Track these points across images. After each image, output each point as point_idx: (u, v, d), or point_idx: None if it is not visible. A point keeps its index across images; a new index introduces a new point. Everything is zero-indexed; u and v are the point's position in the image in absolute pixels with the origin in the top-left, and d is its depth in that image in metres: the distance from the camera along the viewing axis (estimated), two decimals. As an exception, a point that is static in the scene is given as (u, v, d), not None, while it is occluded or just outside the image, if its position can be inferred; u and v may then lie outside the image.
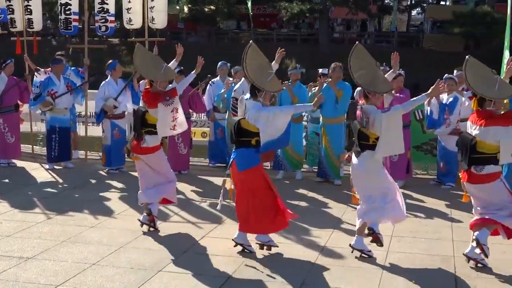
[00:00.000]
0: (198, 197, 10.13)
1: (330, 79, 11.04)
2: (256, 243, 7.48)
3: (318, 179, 11.31)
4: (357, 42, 7.63)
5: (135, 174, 11.70)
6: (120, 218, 8.91)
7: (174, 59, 9.00)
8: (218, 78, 12.50)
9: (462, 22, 38.16)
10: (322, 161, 11.22)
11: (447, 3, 53.96)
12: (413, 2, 51.09)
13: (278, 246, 7.46)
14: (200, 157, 13.40)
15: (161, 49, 12.29)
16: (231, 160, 7.43)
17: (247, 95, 7.59)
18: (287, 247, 7.61)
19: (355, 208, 9.23)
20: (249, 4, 41.75)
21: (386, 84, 7.33)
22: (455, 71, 10.86)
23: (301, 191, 10.62)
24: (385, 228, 8.38)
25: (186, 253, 7.39)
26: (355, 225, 8.48)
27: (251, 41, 7.65)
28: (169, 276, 6.64)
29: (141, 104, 8.37)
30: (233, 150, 7.49)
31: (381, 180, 7.26)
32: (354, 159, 7.34)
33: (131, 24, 12.85)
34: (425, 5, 51.97)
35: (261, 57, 7.51)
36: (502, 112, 6.94)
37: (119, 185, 10.99)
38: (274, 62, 8.09)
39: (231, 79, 11.80)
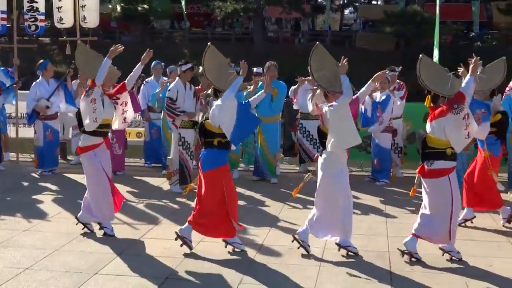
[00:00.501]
0: (134, 197, 10.01)
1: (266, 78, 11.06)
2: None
3: (255, 177, 11.34)
4: (317, 42, 7.62)
5: (69, 176, 11.57)
6: (54, 221, 8.72)
7: (140, 63, 8.63)
8: (152, 77, 12.40)
9: (393, 22, 38.84)
10: (258, 160, 11.26)
11: (379, 3, 54.85)
12: (345, 1, 51.79)
13: (245, 250, 7.44)
14: (135, 158, 13.26)
15: (94, 49, 12.08)
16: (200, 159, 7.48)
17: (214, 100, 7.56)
18: (225, 246, 7.59)
19: (292, 207, 9.34)
20: (183, 3, 41.65)
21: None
22: (387, 71, 11.04)
23: (238, 190, 10.49)
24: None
25: (123, 254, 7.29)
26: (292, 223, 8.58)
27: (209, 43, 7.63)
28: (105, 278, 6.54)
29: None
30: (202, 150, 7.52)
31: (334, 184, 7.22)
32: (320, 159, 7.33)
33: (62, 23, 12.61)
34: (357, 4, 52.75)
35: (220, 57, 7.52)
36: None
37: (53, 187, 10.77)
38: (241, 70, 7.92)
39: (165, 78, 11.71)
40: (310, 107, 10.93)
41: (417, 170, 7.21)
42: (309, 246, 7.36)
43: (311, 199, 9.89)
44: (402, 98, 11.20)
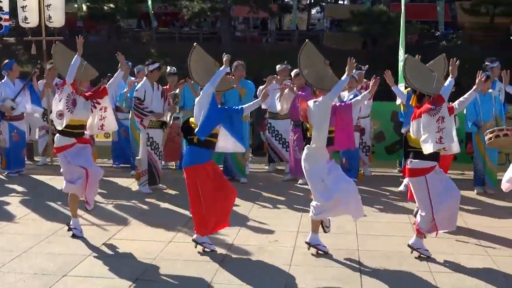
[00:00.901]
0: (102, 198, 9.92)
1: (233, 77, 11.07)
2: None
3: (224, 177, 11.32)
4: (307, 40, 7.67)
5: (36, 177, 11.44)
6: (21, 222, 8.62)
7: (120, 70, 8.43)
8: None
9: (360, 21, 39.11)
10: (227, 160, 11.25)
11: (345, 3, 55.15)
12: (312, 1, 51.94)
13: (215, 250, 7.44)
14: (103, 158, 13.15)
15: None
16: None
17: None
18: (195, 246, 7.58)
19: (262, 206, 9.35)
20: (149, 2, 41.41)
21: (334, 81, 7.30)
22: (355, 70, 11.11)
23: (207, 189, 10.59)
24: (291, 224, 8.52)
25: (92, 256, 7.23)
26: (262, 222, 8.59)
27: (195, 44, 7.64)
28: (74, 280, 6.48)
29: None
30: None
31: (313, 175, 7.26)
32: (303, 153, 7.34)
33: (27, 23, 12.46)
34: (324, 4, 52.97)
35: (207, 58, 7.54)
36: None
37: (20, 188, 10.64)
38: (223, 66, 7.88)
39: (133, 78, 11.63)
40: (278, 107, 11.03)
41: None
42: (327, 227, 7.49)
43: (281, 198, 9.97)
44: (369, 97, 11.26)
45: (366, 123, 11.40)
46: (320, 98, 7.14)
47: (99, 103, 7.85)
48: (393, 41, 13.74)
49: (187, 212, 9.04)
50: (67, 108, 7.60)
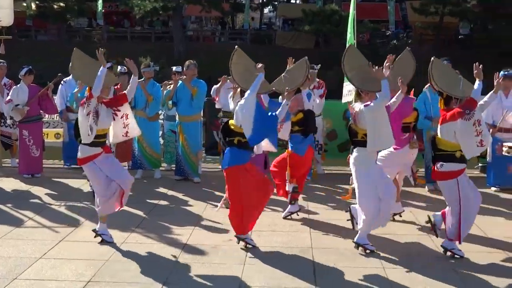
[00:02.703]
0: (53, 200, 9.78)
1: (184, 77, 11.03)
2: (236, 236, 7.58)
3: (177, 177, 11.27)
4: (349, 44, 7.93)
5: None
6: (-31, 226, 8.44)
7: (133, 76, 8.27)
8: (70, 77, 12.13)
9: (312, 20, 39.30)
10: (180, 159, 11.19)
11: (297, 2, 55.43)
12: (264, 0, 52.07)
13: (256, 246, 7.50)
14: (54, 159, 12.96)
15: (9, 48, 11.80)
16: None
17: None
18: (149, 247, 7.53)
19: (215, 205, 9.32)
20: (100, 1, 40.94)
21: (377, 83, 7.36)
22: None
23: (161, 189, 10.55)
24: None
25: (43, 258, 7.11)
26: (216, 222, 8.58)
27: (236, 46, 7.74)
28: (25, 283, 6.37)
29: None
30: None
31: (364, 177, 7.32)
32: (351, 157, 7.48)
33: (-25, 22, 12.18)
34: (276, 3, 53.12)
35: (247, 60, 7.68)
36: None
37: (-33, 191, 10.41)
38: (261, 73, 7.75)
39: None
40: (231, 106, 10.99)
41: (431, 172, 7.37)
42: (357, 224, 7.53)
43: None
44: (322, 96, 11.33)
45: (319, 121, 11.44)
46: (371, 103, 7.15)
47: (119, 111, 7.63)
48: (346, 40, 13.87)
49: (140, 213, 9.00)
50: (93, 121, 7.36)
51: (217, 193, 10.21)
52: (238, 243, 7.52)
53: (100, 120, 7.42)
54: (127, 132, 7.82)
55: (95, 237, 7.68)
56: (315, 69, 11.39)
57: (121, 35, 44.64)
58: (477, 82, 7.12)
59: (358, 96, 7.52)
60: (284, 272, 6.76)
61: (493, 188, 10.61)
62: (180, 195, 10.19)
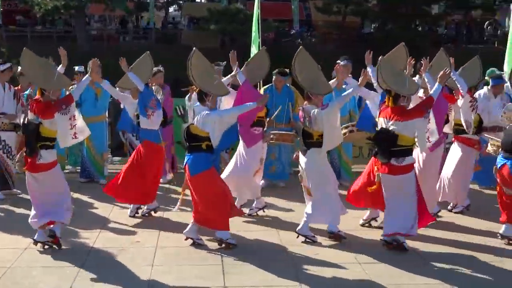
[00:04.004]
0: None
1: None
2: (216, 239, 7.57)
3: (82, 179, 11.03)
4: (300, 46, 7.97)
5: None
6: None
7: (61, 65, 8.04)
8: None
9: (217, 19, 39.39)
10: (85, 161, 10.97)
11: (203, 0, 55.39)
12: (169, -1, 51.78)
13: (236, 245, 7.49)
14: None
15: None
16: (184, 165, 7.51)
17: (197, 103, 7.58)
18: (54, 252, 7.34)
19: (121, 207, 9.18)
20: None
21: (326, 86, 7.87)
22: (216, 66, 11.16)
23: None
24: (153, 224, 8.44)
25: None
26: (123, 224, 8.47)
27: (194, 48, 7.66)
28: None
29: (31, 116, 7.51)
30: (186, 154, 7.52)
31: (318, 174, 7.69)
32: (302, 158, 7.74)
33: None
34: (181, 2, 52.90)
35: (205, 62, 7.70)
36: (412, 106, 7.52)
37: None
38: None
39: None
40: (137, 106, 10.85)
41: (381, 170, 7.51)
42: (314, 236, 7.75)
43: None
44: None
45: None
46: (328, 107, 7.54)
47: (69, 111, 7.39)
48: (251, 39, 13.98)
49: (43, 217, 8.73)
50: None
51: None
52: (221, 245, 7.52)
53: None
54: (75, 133, 7.64)
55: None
56: (221, 66, 11.39)
57: (21, 35, 43.28)
58: (436, 84, 7.58)
59: (308, 99, 7.75)
60: (193, 273, 6.75)
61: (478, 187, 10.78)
62: (85, 198, 9.97)
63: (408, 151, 7.42)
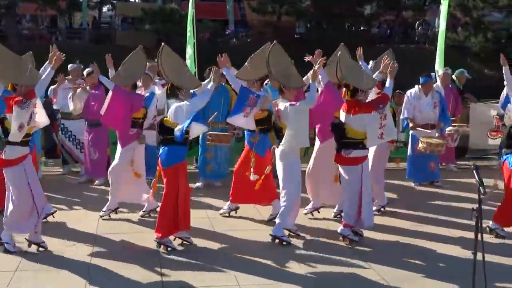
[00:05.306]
0: None
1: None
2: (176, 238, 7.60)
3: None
4: (274, 41, 7.97)
5: None
6: None
7: (48, 62, 7.43)
8: None
9: (152, 19, 39.14)
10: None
11: (137, 0, 54.88)
12: (102, -2, 51.08)
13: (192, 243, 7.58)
14: None
15: None
16: (158, 157, 7.55)
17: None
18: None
19: (57, 209, 9.01)
20: None
21: (299, 80, 7.90)
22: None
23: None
24: (90, 226, 8.34)
25: None
26: (59, 226, 8.31)
27: (163, 44, 7.71)
28: None
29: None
30: (159, 147, 7.62)
31: (289, 168, 7.69)
32: (277, 150, 7.77)
33: None
34: (114, 1, 52.28)
35: (175, 57, 7.74)
36: (367, 101, 7.71)
37: None
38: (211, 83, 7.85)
39: None
40: (71, 107, 10.71)
41: (334, 158, 7.77)
42: (297, 230, 8.01)
43: (78, 200, 9.70)
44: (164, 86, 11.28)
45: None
46: (297, 104, 7.53)
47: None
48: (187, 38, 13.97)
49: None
50: (30, 119, 6.99)
51: (58, 196, 9.83)
52: (159, 247, 7.47)
53: (33, 117, 7.12)
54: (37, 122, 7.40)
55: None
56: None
57: None
58: (388, 80, 7.78)
59: (281, 92, 7.83)
60: (130, 276, 6.70)
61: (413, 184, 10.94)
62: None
63: (357, 144, 7.61)
